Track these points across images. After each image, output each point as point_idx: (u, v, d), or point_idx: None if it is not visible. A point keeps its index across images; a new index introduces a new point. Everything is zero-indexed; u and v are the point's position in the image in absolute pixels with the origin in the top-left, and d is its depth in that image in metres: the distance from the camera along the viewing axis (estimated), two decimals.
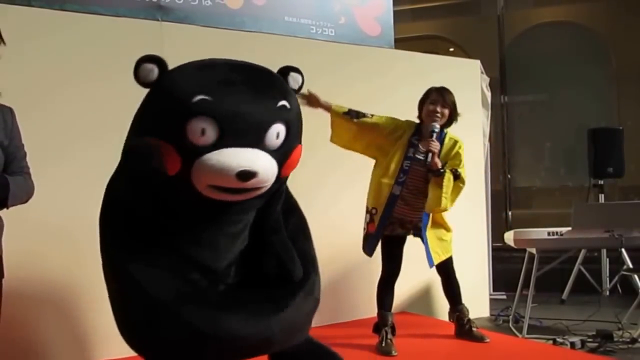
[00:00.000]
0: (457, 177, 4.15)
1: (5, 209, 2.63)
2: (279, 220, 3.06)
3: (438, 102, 4.23)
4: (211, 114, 2.51)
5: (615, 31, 9.19)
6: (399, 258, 4.35)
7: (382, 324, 4.33)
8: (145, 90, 2.71)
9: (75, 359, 4.09)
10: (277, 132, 2.63)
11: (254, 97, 2.63)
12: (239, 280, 2.94)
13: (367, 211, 4.34)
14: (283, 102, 2.68)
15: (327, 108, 4.27)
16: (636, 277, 5.95)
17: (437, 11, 10.21)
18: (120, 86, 4.24)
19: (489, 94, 6.59)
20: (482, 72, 6.38)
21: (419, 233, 4.32)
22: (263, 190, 2.67)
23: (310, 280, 2.99)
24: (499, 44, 9.21)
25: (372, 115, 4.36)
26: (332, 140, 4.37)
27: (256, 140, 2.60)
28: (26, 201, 2.76)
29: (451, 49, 9.95)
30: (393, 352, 4.14)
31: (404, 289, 4.86)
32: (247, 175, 2.51)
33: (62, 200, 4.04)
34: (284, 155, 2.69)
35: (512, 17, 9.42)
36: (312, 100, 4.18)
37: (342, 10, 5.60)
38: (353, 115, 4.32)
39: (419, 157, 4.22)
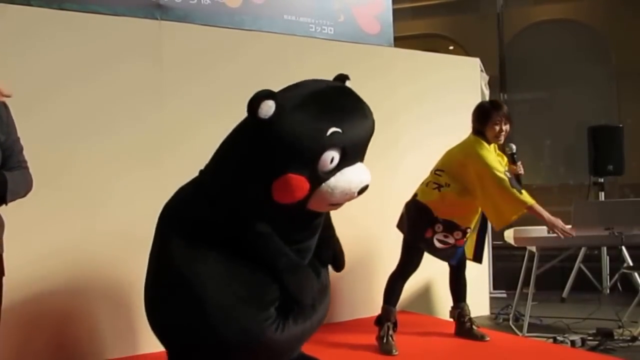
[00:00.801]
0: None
1: (4, 205, 2.63)
2: (329, 218, 3.32)
3: (505, 120, 4.30)
4: (342, 145, 2.75)
5: (615, 29, 9.20)
6: (421, 257, 4.41)
7: (385, 318, 4.33)
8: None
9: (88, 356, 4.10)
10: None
11: (364, 120, 2.91)
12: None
13: (460, 229, 4.30)
14: (372, 117, 2.97)
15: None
16: (636, 275, 5.94)
17: (436, 9, 10.22)
18: (120, 85, 4.28)
19: (487, 92, 6.59)
20: (481, 70, 6.38)
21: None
22: None
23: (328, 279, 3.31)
24: (498, 42, 9.21)
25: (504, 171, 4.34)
26: None
27: (361, 156, 2.96)
28: (24, 195, 2.75)
29: (451, 47, 9.95)
30: (394, 351, 4.15)
31: (406, 286, 4.85)
32: (365, 189, 2.91)
33: (62, 199, 4.04)
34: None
35: (512, 15, 9.43)
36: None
37: (342, 8, 5.58)
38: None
39: None
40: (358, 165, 2.91)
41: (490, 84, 6.68)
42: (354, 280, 5.13)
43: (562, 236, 4.30)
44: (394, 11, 6.01)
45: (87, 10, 4.39)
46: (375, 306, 4.52)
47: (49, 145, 3.85)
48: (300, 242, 3.02)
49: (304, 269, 2.97)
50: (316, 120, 2.76)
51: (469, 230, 4.35)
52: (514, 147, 4.30)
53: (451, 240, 4.31)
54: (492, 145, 4.36)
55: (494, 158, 4.25)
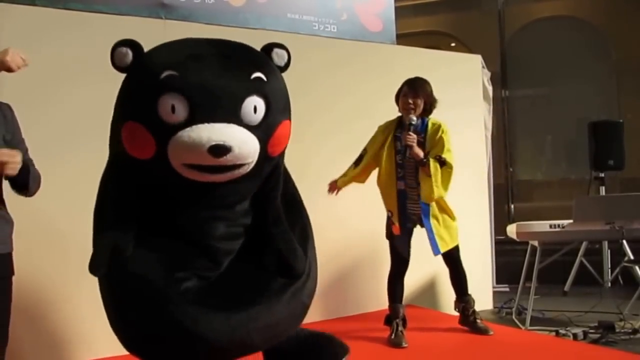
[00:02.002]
0: (442, 163, 4.18)
1: (25, 196, 2.70)
2: (279, 211, 2.92)
3: (409, 94, 4.28)
4: (179, 90, 2.44)
5: (615, 25, 9.20)
6: (407, 251, 4.41)
7: (393, 316, 4.39)
8: None
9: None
10: (254, 106, 2.53)
11: (223, 70, 2.55)
12: (231, 272, 2.78)
13: (388, 217, 4.40)
14: (258, 74, 2.59)
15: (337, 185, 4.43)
16: (637, 268, 5.95)
17: (438, 7, 10.22)
18: None
19: (490, 88, 6.61)
20: (483, 67, 6.41)
21: (422, 222, 4.37)
22: (246, 168, 2.57)
23: (300, 281, 2.84)
24: (499, 39, 9.23)
25: (365, 149, 4.46)
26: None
27: (230, 115, 2.49)
28: (34, 192, 2.81)
29: (452, 44, 9.96)
30: (403, 343, 4.20)
31: (409, 282, 4.87)
32: (219, 149, 2.42)
33: (64, 199, 4.07)
34: (267, 131, 2.58)
35: (513, 11, 9.43)
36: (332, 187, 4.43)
37: (344, 6, 5.64)
38: (356, 164, 4.46)
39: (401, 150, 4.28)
40: (219, 124, 2.46)
41: (492, 80, 6.71)
42: (360, 274, 5.19)
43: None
44: (396, 9, 6.06)
45: (91, 9, 4.43)
46: (382, 301, 4.56)
47: (53, 143, 3.87)
48: (189, 221, 2.71)
49: (102, 242, 2.70)
50: (153, 63, 2.57)
51: (390, 213, 4.36)
52: (413, 118, 4.24)
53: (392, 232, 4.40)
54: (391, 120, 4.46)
55: (373, 137, 4.44)
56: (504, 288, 6.85)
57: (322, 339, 3.20)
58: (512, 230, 5.53)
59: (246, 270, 2.78)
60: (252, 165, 2.58)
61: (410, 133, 4.17)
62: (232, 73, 2.56)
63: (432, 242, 4.31)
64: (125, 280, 2.61)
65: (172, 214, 2.70)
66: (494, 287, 6.45)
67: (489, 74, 6.57)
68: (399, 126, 4.36)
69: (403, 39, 6.59)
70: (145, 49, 4.35)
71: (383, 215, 4.45)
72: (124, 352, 2.77)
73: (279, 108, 2.66)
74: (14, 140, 2.69)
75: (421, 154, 4.18)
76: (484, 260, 6.10)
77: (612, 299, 5.66)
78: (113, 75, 4.18)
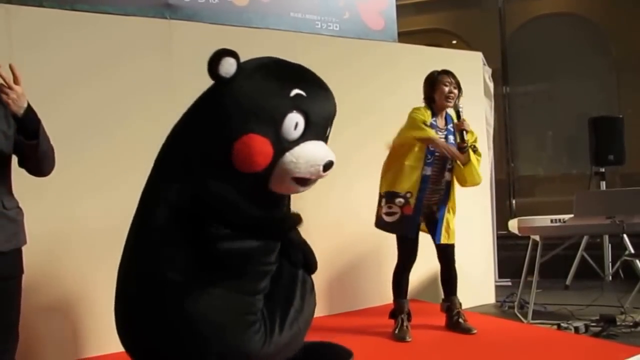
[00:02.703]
0: (474, 151, 4.36)
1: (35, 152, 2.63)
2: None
3: (452, 83, 4.39)
4: (304, 110, 2.64)
5: (614, 21, 9.21)
6: (415, 246, 4.46)
7: (398, 311, 4.44)
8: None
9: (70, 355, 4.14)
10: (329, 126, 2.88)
11: (326, 93, 2.81)
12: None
13: (399, 196, 4.37)
14: (334, 98, 2.86)
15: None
16: (638, 262, 5.99)
17: (439, 5, 10.23)
18: (131, 82, 4.35)
19: (491, 85, 6.65)
20: (484, 64, 6.44)
21: (434, 215, 4.45)
22: None
23: (311, 278, 3.14)
24: (500, 36, 9.25)
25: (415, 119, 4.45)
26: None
27: (324, 135, 2.81)
28: (51, 168, 2.78)
29: (454, 42, 9.98)
30: (407, 338, 4.27)
31: (412, 277, 4.92)
32: (330, 165, 2.69)
33: (68, 198, 4.11)
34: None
35: (513, 9, 9.45)
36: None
37: (347, 5, 5.67)
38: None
39: (439, 135, 4.38)
40: (322, 143, 2.75)
41: (493, 77, 6.73)
42: (363, 269, 5.23)
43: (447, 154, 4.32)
44: (398, 7, 6.09)
45: (98, 10, 4.45)
46: (385, 296, 4.60)
47: (62, 142, 3.90)
48: None
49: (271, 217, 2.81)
50: (280, 80, 2.67)
51: (409, 195, 4.35)
52: (461, 106, 4.37)
53: (396, 210, 4.38)
54: (425, 109, 4.47)
55: (419, 118, 4.37)
56: (506, 282, 6.88)
57: (325, 347, 3.34)
58: (513, 225, 5.55)
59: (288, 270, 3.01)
60: None
61: (464, 119, 4.36)
62: (329, 97, 2.84)
63: (438, 231, 4.40)
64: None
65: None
66: (496, 282, 6.49)
67: (490, 70, 6.60)
68: (432, 114, 4.44)
69: (405, 36, 6.61)
70: (152, 48, 4.45)
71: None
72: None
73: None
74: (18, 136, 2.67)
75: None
76: (486, 254, 6.13)
77: (613, 292, 5.68)
78: (118, 75, 4.28)
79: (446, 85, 4.38)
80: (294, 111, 2.61)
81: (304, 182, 2.69)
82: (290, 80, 2.68)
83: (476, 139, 4.48)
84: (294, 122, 2.60)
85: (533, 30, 9.44)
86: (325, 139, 2.81)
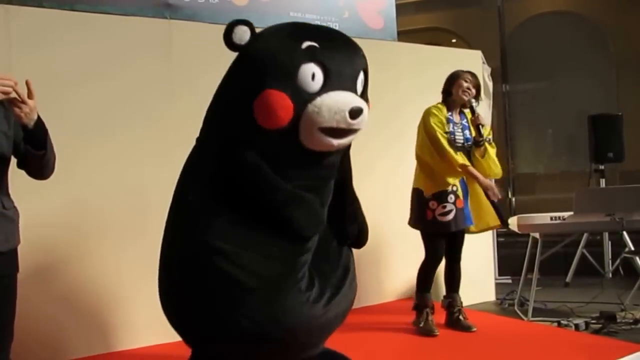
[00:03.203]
0: (489, 144, 4.48)
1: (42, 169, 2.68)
2: (353, 189, 3.18)
3: (471, 81, 4.48)
4: (319, 59, 2.65)
5: (613, 20, 9.22)
6: (444, 244, 4.49)
7: (422, 305, 4.46)
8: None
9: (92, 350, 4.16)
10: (361, 79, 2.83)
11: (348, 45, 2.83)
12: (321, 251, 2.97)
13: (449, 193, 4.40)
14: (362, 52, 2.87)
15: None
16: (638, 259, 5.96)
17: (439, 3, 10.25)
18: (132, 82, 4.35)
19: (490, 84, 6.65)
20: (483, 62, 6.45)
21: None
22: (354, 135, 2.78)
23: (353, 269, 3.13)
24: (499, 35, 9.27)
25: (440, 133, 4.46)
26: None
27: (352, 85, 2.76)
28: (51, 172, 2.78)
29: (453, 40, 10.00)
30: (435, 331, 4.33)
31: (410, 275, 4.92)
32: (357, 111, 2.65)
33: (72, 197, 4.12)
34: (365, 103, 2.78)
35: (512, 7, 9.47)
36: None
37: (346, 4, 5.68)
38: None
39: (456, 128, 4.47)
40: (348, 92, 2.71)
41: (493, 75, 6.74)
42: (365, 267, 5.25)
43: (493, 198, 4.46)
44: (398, 6, 6.10)
45: (98, 10, 4.45)
46: (384, 294, 4.61)
47: (62, 142, 3.91)
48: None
49: (307, 199, 2.80)
50: (292, 36, 2.74)
51: (455, 188, 4.41)
52: (474, 102, 4.44)
53: (451, 207, 4.39)
54: (440, 105, 4.51)
55: (438, 120, 4.40)
56: (506, 280, 6.90)
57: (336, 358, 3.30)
58: (513, 222, 5.55)
59: (326, 249, 3.00)
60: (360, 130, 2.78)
61: (479, 114, 4.45)
62: (354, 49, 2.84)
63: (467, 215, 4.47)
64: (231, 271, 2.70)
65: None
66: (496, 279, 6.49)
67: (489, 69, 6.60)
68: (448, 109, 4.49)
69: (404, 35, 6.63)
70: (152, 48, 4.45)
71: (385, 207, 4.46)
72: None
73: (367, 84, 2.94)
74: (17, 137, 2.63)
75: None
76: (487, 252, 6.13)
77: (613, 289, 5.70)
78: (118, 74, 4.29)
79: (466, 82, 4.46)
80: (309, 62, 2.65)
81: (334, 132, 2.67)
82: (302, 35, 2.74)
83: (490, 131, 4.57)
84: (310, 73, 2.63)
85: (532, 29, 9.46)
86: (357, 92, 2.79)
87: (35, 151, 2.60)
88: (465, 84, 4.45)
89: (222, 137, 2.82)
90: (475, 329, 4.39)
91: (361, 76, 2.82)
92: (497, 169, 4.51)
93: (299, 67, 2.63)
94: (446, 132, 4.39)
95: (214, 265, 2.69)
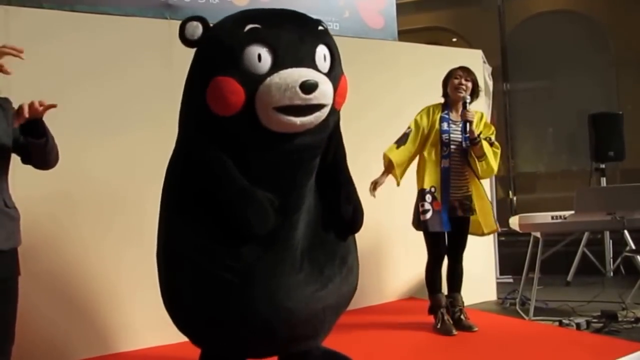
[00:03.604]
0: (491, 144, 4.41)
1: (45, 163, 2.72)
2: (348, 169, 3.18)
3: (462, 76, 4.44)
4: (263, 40, 2.62)
5: (613, 18, 9.23)
6: (443, 242, 4.47)
7: (436, 306, 4.44)
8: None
9: (91, 352, 4.15)
10: (323, 54, 2.74)
11: (296, 22, 2.78)
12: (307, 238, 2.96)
13: (427, 192, 4.41)
14: (321, 27, 2.84)
15: (388, 170, 4.45)
16: (639, 257, 6.00)
17: (439, 3, 10.26)
18: (131, 84, 4.35)
19: (490, 83, 6.65)
20: (484, 62, 6.45)
21: (467, 208, 4.47)
22: (324, 112, 2.72)
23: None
24: (500, 34, 9.28)
25: (409, 127, 4.49)
26: (400, 180, 4.52)
27: (309, 62, 2.68)
28: (56, 160, 2.82)
29: (454, 40, 10.00)
30: (453, 331, 4.30)
31: (410, 275, 4.94)
32: (310, 85, 2.59)
33: (72, 198, 4.13)
34: (334, 80, 2.75)
35: (512, 7, 9.48)
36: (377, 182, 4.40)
37: (346, 4, 5.68)
38: (400, 144, 4.46)
39: (453, 127, 4.43)
40: (300, 69, 2.65)
41: (493, 74, 6.75)
42: (365, 268, 5.25)
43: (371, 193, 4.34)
44: (398, 6, 6.09)
45: (98, 11, 4.45)
46: (385, 294, 4.60)
47: (62, 142, 3.90)
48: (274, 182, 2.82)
49: (258, 196, 2.75)
50: (235, 21, 2.74)
51: (434, 189, 4.39)
52: (467, 97, 4.41)
53: (428, 207, 4.38)
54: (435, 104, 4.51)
55: (420, 116, 4.46)
56: (508, 279, 6.90)
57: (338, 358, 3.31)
58: (514, 222, 5.56)
59: (322, 238, 3.00)
60: (327, 110, 2.73)
61: (469, 110, 4.34)
62: (304, 25, 2.79)
63: (444, 221, 4.38)
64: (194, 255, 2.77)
65: (249, 177, 2.78)
66: (497, 279, 6.50)
67: (490, 69, 6.60)
68: (445, 108, 4.48)
69: (404, 35, 6.62)
70: (151, 49, 4.45)
71: (386, 207, 4.46)
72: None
73: (339, 59, 2.87)
74: (15, 133, 2.66)
75: (475, 132, 4.34)
76: (488, 251, 6.13)
77: (615, 288, 5.68)
78: (118, 75, 4.29)
79: (457, 78, 4.45)
80: (252, 44, 2.61)
81: (291, 110, 2.62)
82: (246, 20, 2.72)
83: (493, 131, 4.54)
84: (255, 55, 2.60)
85: (533, 28, 9.47)
86: (317, 67, 2.70)
87: (36, 140, 2.62)
88: (456, 81, 4.43)
89: (186, 136, 2.90)
90: (476, 329, 4.37)
91: (320, 50, 2.74)
92: (489, 172, 4.46)
93: (243, 50, 2.61)
94: (443, 132, 4.39)
95: (193, 261, 2.76)
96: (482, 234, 4.58)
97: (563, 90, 9.23)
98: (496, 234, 6.58)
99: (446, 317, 4.39)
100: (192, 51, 4.53)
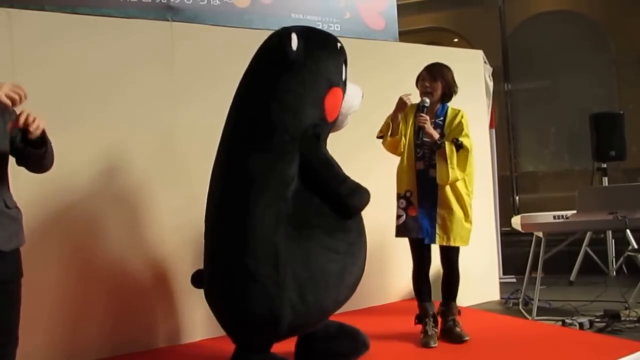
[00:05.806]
0: (459, 146, 4.13)
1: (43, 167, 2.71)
2: (336, 173, 3.44)
3: (426, 77, 4.31)
4: (346, 58, 3.38)
5: (613, 18, 9.22)
6: (425, 249, 4.28)
7: (423, 315, 4.28)
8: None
9: (99, 354, 4.16)
10: None
11: None
12: None
13: (401, 197, 4.30)
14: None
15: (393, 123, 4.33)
16: None
17: (440, 3, 10.25)
18: (134, 84, 4.36)
19: (491, 84, 6.63)
20: (485, 62, 6.45)
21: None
22: None
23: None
24: (501, 34, 9.28)
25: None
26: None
27: None
28: (51, 164, 2.78)
29: (455, 40, 10.00)
30: (431, 343, 4.11)
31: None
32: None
33: (72, 198, 4.13)
34: None
35: (513, 7, 9.47)
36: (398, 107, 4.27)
37: (347, 5, 5.69)
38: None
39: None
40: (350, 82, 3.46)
41: (494, 74, 6.74)
42: (367, 269, 5.25)
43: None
44: (399, 6, 6.10)
45: (99, 13, 4.47)
46: (388, 295, 4.59)
47: (62, 143, 3.89)
48: None
49: (363, 188, 3.29)
50: (332, 37, 3.39)
51: (409, 194, 4.26)
52: (426, 100, 4.27)
53: (401, 212, 4.28)
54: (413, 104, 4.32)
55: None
56: (511, 279, 6.89)
57: (348, 330, 3.65)
58: (516, 222, 5.56)
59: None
60: None
61: (422, 114, 4.17)
62: None
63: (423, 227, 4.22)
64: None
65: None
66: (500, 278, 6.48)
67: (490, 69, 6.59)
68: (418, 110, 4.27)
69: (405, 36, 6.62)
70: (154, 50, 4.46)
71: (388, 208, 4.45)
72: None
73: None
74: (12, 133, 2.62)
75: (435, 135, 4.14)
76: (490, 251, 6.14)
77: (617, 287, 5.67)
78: (120, 76, 4.30)
79: (419, 81, 4.39)
80: (345, 60, 3.37)
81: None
82: (333, 37, 3.43)
83: (465, 133, 4.21)
84: (344, 69, 3.36)
85: (533, 28, 9.45)
86: None
87: (35, 150, 2.60)
88: (419, 85, 4.36)
89: (289, 138, 3.15)
90: (467, 339, 4.16)
91: None
92: (451, 174, 4.10)
93: (343, 65, 3.30)
94: (416, 133, 4.24)
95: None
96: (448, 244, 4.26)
97: (564, 90, 9.22)
98: (499, 234, 6.59)
99: (429, 327, 4.21)
100: (193, 54, 4.61)
